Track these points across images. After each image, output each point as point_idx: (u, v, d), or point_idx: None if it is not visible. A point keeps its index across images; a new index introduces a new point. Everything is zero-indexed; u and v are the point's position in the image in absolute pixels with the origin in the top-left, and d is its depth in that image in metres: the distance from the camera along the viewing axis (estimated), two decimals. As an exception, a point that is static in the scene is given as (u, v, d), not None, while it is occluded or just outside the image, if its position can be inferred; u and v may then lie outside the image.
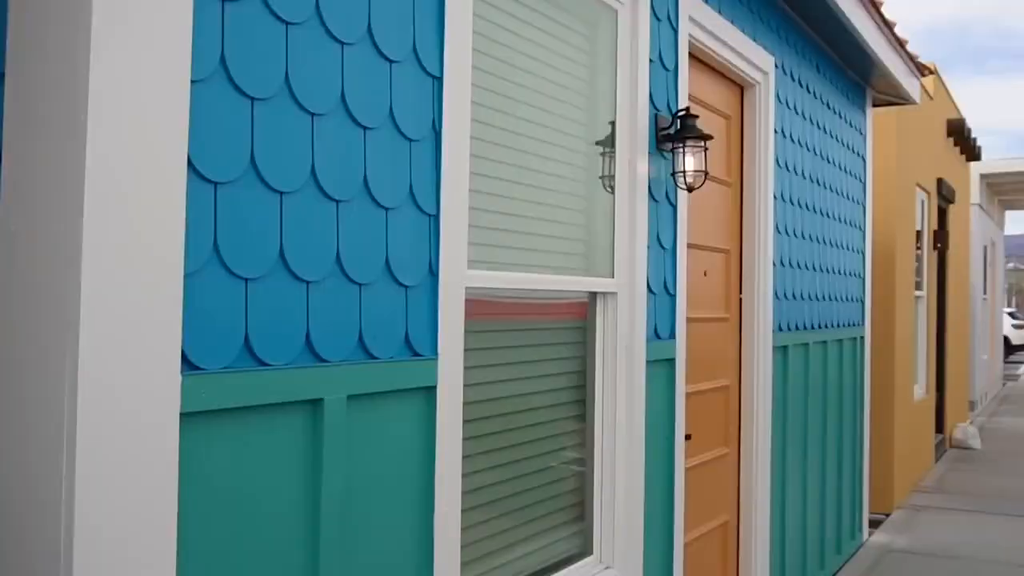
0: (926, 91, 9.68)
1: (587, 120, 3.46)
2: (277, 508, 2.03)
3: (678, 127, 3.69)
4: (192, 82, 1.82)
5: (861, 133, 7.02)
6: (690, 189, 3.68)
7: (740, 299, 4.91)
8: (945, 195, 10.95)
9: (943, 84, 10.96)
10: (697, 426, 4.36)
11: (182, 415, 1.78)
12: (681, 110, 3.74)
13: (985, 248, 17.06)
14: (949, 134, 11.40)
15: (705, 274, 4.47)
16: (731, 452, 4.81)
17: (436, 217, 2.48)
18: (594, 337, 3.45)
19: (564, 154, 3.31)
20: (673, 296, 3.84)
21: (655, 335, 3.70)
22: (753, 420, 4.89)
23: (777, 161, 5.12)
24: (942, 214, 11.17)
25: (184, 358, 1.80)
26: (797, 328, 5.47)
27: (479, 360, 2.89)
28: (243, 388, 1.92)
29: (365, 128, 2.25)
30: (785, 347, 5.26)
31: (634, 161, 3.54)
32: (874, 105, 7.40)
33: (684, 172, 3.66)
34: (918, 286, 9.95)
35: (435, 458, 2.46)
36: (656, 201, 3.71)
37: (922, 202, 10.14)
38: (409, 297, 2.38)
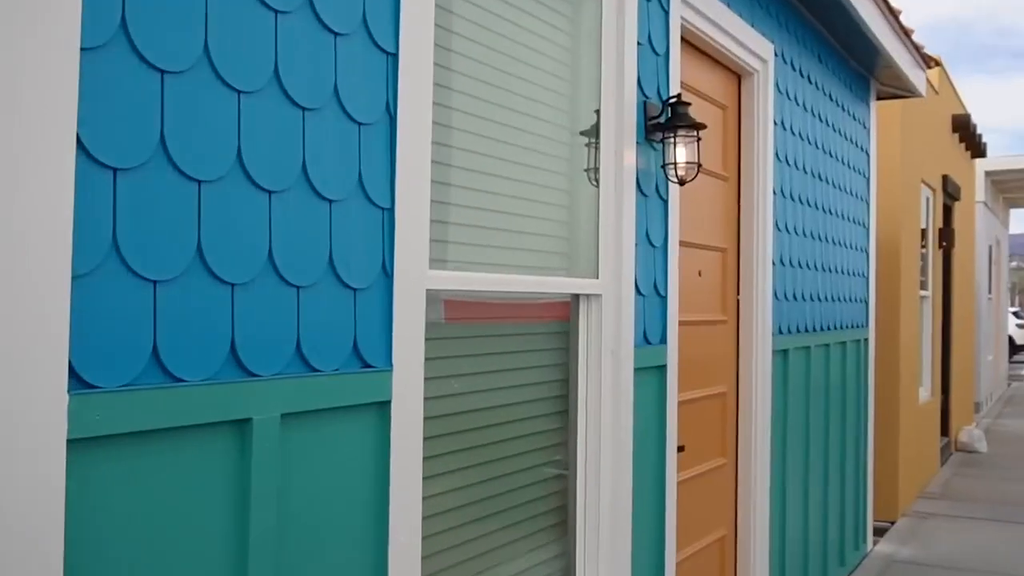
0: (931, 85, 9.41)
1: (569, 107, 3.19)
2: (195, 547, 1.76)
3: (668, 115, 3.42)
4: (83, 50, 1.54)
5: (865, 127, 6.75)
6: (682, 182, 3.41)
7: (738, 300, 4.63)
8: (950, 192, 10.67)
9: (948, 78, 10.68)
10: (691, 436, 4.09)
11: (70, 442, 1.51)
12: (672, 97, 3.47)
13: (990, 247, 16.78)
14: (954, 130, 11.12)
15: (700, 274, 4.19)
16: (728, 463, 4.54)
17: (390, 211, 2.20)
18: (577, 342, 3.18)
19: (544, 144, 3.03)
20: (664, 298, 3.57)
21: (644, 340, 3.43)
22: (752, 428, 4.62)
23: (777, 154, 4.85)
24: (947, 212, 10.89)
25: (73, 374, 1.53)
26: (798, 330, 5.20)
27: (448, 369, 2.62)
28: (150, 408, 1.65)
29: (304, 109, 1.98)
30: (786, 351, 4.99)
31: (620, 152, 3.26)
32: (878, 98, 7.12)
33: (675, 164, 3.38)
34: (923, 286, 9.68)
35: (390, 483, 2.18)
36: (645, 195, 3.44)
37: (927, 199, 9.86)
38: (358, 301, 2.11)
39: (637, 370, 3.35)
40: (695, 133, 3.38)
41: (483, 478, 2.79)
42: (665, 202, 3.58)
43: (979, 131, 12.06)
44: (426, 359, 2.48)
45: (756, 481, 4.62)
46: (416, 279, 2.27)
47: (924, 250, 9.78)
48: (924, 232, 9.75)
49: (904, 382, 8.25)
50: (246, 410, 1.82)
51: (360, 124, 2.12)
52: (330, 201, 2.03)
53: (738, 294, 4.63)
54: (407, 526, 2.24)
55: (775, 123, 4.81)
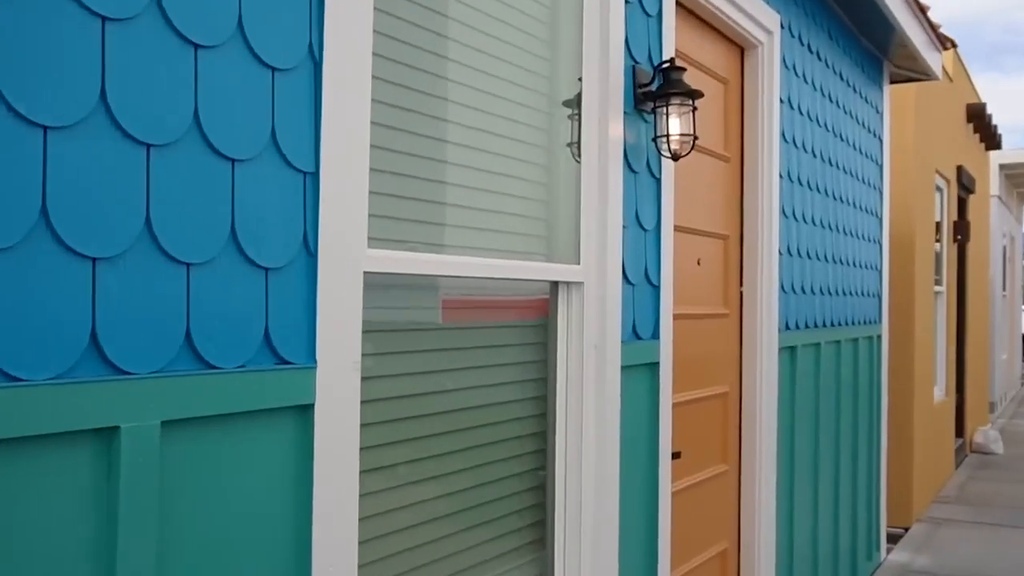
0: (946, 72, 9.02)
1: (549, 72, 2.82)
2: (42, 589, 1.39)
3: (660, 82, 3.04)
4: None
5: (878, 111, 6.36)
6: (675, 157, 3.03)
7: (741, 293, 4.26)
8: (965, 184, 10.27)
9: (962, 65, 10.28)
10: (689, 441, 3.71)
11: None
12: (664, 62, 3.09)
13: (1004, 245, 16.34)
14: (969, 119, 10.72)
15: (699, 263, 3.82)
16: (730, 469, 4.16)
17: (314, 175, 1.83)
18: (556, 336, 2.81)
19: (519, 112, 2.67)
20: (656, 287, 3.19)
21: (633, 334, 3.06)
22: (756, 432, 4.24)
23: (783, 135, 4.47)
24: (961, 204, 10.48)
25: None
26: (807, 326, 4.82)
27: (399, 368, 2.25)
28: (-29, 415, 1.28)
29: (196, 46, 1.61)
30: (793, 347, 4.61)
31: (605, 122, 2.89)
32: (891, 82, 6.73)
33: (668, 136, 3.01)
34: (937, 281, 9.29)
35: (312, 506, 1.81)
36: (634, 172, 3.06)
37: (941, 190, 9.46)
38: (271, 283, 1.74)
39: (625, 368, 2.98)
40: (691, 102, 3.00)
41: (444, 492, 2.42)
42: (658, 180, 3.21)
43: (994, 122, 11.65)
44: (371, 355, 2.11)
45: (761, 489, 4.25)
46: (349, 259, 1.90)
47: (938, 244, 9.39)
48: (938, 226, 9.36)
49: (918, 381, 7.86)
50: (111, 416, 1.45)
51: (274, 69, 1.75)
52: (232, 160, 1.66)
53: (741, 286, 4.25)
54: (337, 557, 1.87)
55: (781, 101, 4.43)
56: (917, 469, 7.72)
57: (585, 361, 2.81)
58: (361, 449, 2.10)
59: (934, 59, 6.55)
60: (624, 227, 2.97)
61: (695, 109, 3.01)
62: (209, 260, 1.62)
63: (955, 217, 10.03)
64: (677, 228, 3.54)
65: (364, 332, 2.11)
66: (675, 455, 3.45)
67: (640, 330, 3.08)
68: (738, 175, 4.24)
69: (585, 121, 2.87)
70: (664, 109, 3.01)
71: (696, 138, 3.02)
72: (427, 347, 2.37)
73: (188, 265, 1.58)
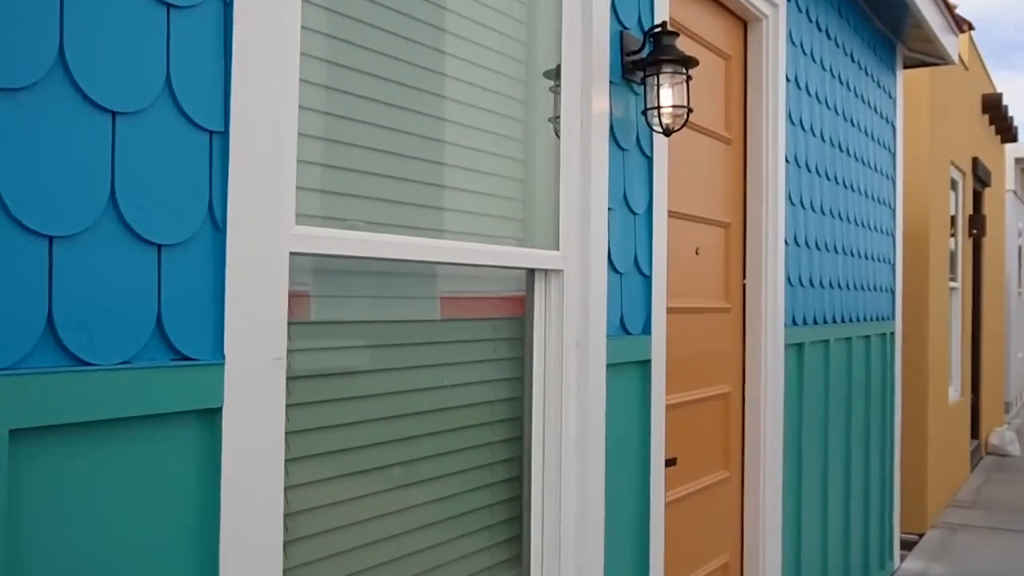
0: (961, 59, 8.69)
1: (527, 37, 2.53)
2: None
3: (651, 49, 2.74)
4: None
5: (891, 96, 6.04)
6: (667, 132, 2.73)
7: (744, 285, 3.95)
8: (981, 177, 9.93)
9: (978, 53, 9.94)
10: (686, 446, 3.41)
11: None
12: (656, 26, 2.79)
13: (1020, 244, 15.97)
14: (984, 110, 10.37)
15: (697, 252, 3.52)
16: (732, 476, 3.86)
17: (222, 135, 1.54)
18: (532, 331, 2.51)
19: (492, 80, 2.38)
20: (647, 278, 2.90)
21: (621, 329, 2.76)
22: (760, 435, 3.93)
23: (790, 116, 4.16)
24: (976, 198, 10.15)
25: None
26: (815, 321, 4.51)
27: (349, 365, 1.96)
28: None
29: (62, -30, 1.32)
30: (800, 344, 4.30)
31: (589, 93, 2.59)
32: (905, 66, 6.41)
33: (659, 109, 2.71)
34: (952, 276, 8.96)
35: (219, 533, 1.52)
36: (623, 149, 2.77)
37: (956, 183, 9.13)
38: (165, 262, 1.45)
39: (611, 366, 2.68)
40: (684, 71, 2.71)
41: (401, 506, 2.13)
42: (649, 159, 2.91)
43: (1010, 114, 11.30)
44: (314, 351, 1.82)
45: (765, 496, 3.94)
46: (269, 236, 1.61)
47: (953, 238, 9.06)
48: (953, 219, 9.04)
49: (933, 380, 7.54)
50: (-64, 425, 1.16)
51: (170, 5, 1.46)
52: (112, 112, 1.37)
53: (744, 278, 3.95)
54: (253, 585, 1.58)
55: (787, 79, 4.13)
56: (932, 472, 7.40)
57: (565, 359, 2.52)
58: (293, 460, 1.81)
59: (950, 42, 6.23)
60: (610, 210, 2.67)
61: (689, 79, 2.71)
62: (79, 233, 1.33)
63: (970, 211, 9.70)
64: (672, 214, 3.25)
65: (306, 324, 1.82)
66: (670, 462, 3.16)
67: (629, 324, 2.79)
68: (741, 158, 3.93)
69: (565, 91, 2.57)
70: (655, 79, 2.71)
71: (690, 110, 2.72)
72: (381, 343, 2.08)
73: (50, 238, 1.29)
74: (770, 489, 3.96)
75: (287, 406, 1.79)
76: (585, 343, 2.55)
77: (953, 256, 9.03)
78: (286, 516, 1.80)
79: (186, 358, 1.48)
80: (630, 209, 2.79)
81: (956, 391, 9.07)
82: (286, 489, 1.79)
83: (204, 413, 1.50)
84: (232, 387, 1.53)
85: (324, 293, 1.94)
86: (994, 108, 10.42)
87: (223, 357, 1.52)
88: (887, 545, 5.95)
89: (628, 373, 2.80)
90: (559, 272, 2.51)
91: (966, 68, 9.15)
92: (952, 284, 8.91)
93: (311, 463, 1.87)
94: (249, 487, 1.56)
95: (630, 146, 2.80)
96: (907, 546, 6.61)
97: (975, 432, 10.19)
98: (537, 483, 2.51)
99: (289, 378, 1.80)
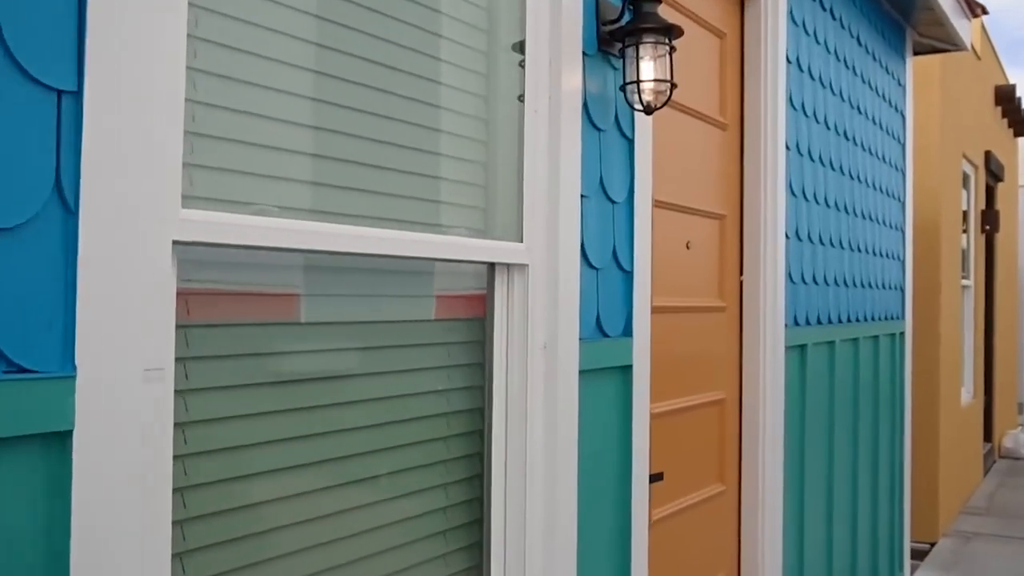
0: (973, 48, 8.38)
1: (488, 4, 2.24)
2: None
3: (631, 16, 2.45)
4: None
5: (900, 84, 5.73)
6: (648, 109, 2.44)
7: (741, 282, 3.66)
8: (994, 171, 9.61)
9: (990, 43, 9.61)
10: (676, 459, 3.12)
11: None
12: (635, -8, 2.49)
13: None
14: (997, 102, 10.04)
15: (688, 246, 3.22)
16: (728, 490, 3.56)
17: (75, 96, 1.26)
18: (492, 334, 2.22)
19: (447, 50, 2.09)
20: (628, 273, 2.60)
21: (598, 330, 2.47)
22: (759, 444, 3.64)
23: (791, 101, 3.87)
24: (989, 192, 9.82)
25: None
26: (819, 321, 4.21)
27: (268, 375, 1.68)
28: None
29: None
30: (803, 346, 4.01)
31: (559, 66, 2.30)
32: (915, 53, 6.09)
33: (639, 83, 2.41)
34: (964, 274, 8.64)
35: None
36: (599, 130, 2.48)
37: (968, 177, 8.82)
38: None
39: (585, 372, 2.39)
40: (667, 41, 2.41)
41: (335, 536, 1.84)
42: (630, 142, 2.62)
43: (1024, 106, 10.96)
44: (206, 359, 1.54)
45: (765, 510, 3.65)
46: (139, 219, 1.32)
47: (965, 234, 8.75)
48: (965, 215, 8.72)
49: (945, 382, 7.23)
50: None
51: (-4, -67, 1.17)
52: (-89, 62, 1.09)
53: (741, 274, 3.66)
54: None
55: (788, 61, 3.83)
56: (943, 478, 7.09)
57: (531, 365, 2.23)
58: (189, 488, 1.52)
59: (963, 26, 5.92)
60: (583, 197, 2.38)
61: (673, 50, 2.42)
62: None
63: (983, 206, 9.38)
64: (659, 203, 2.96)
65: (210, 328, 1.54)
66: (655, 477, 2.87)
67: (606, 325, 2.49)
68: (737, 145, 3.64)
69: (531, 63, 2.28)
70: (634, 50, 2.42)
71: (674, 85, 2.42)
72: (312, 348, 1.80)
73: None
74: (769, 502, 3.66)
75: (184, 424, 1.51)
76: (554, 347, 2.26)
77: (965, 253, 8.73)
78: (180, 556, 1.51)
79: (24, 370, 1.19)
80: (608, 197, 2.50)
81: (968, 393, 8.76)
82: (181, 523, 1.51)
83: (50, 438, 1.22)
84: (86, 405, 1.24)
85: (236, 290, 1.65)
86: (1007, 100, 10.09)
87: (74, 369, 1.24)
88: (897, 556, 5.65)
89: (605, 380, 2.51)
90: (523, 267, 2.22)
91: (978, 57, 8.84)
92: (964, 282, 8.60)
93: (213, 492, 1.59)
94: (110, 531, 1.27)
95: (607, 126, 2.51)
96: (918, 555, 6.31)
97: (988, 435, 9.87)
98: (498, 505, 2.22)
99: (185, 391, 1.52)
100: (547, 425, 2.25)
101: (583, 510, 2.39)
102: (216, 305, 1.60)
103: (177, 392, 1.48)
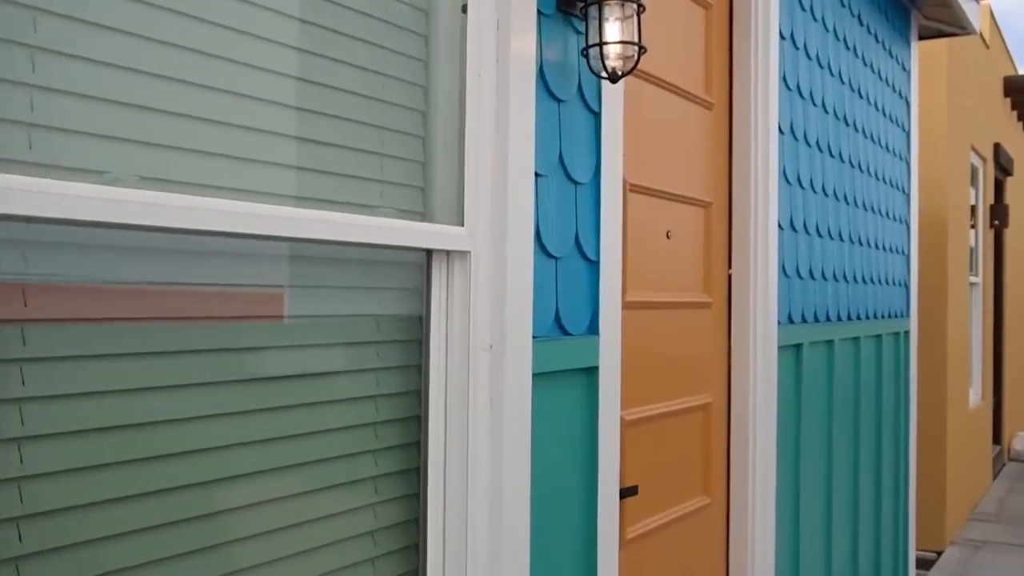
0: (982, 37, 8.08)
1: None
2: None
3: (593, -28, 2.16)
4: None
5: (905, 69, 5.43)
6: (614, 77, 2.15)
7: (729, 276, 3.37)
8: (1003, 164, 9.29)
9: (999, 32, 9.30)
10: (654, 470, 2.83)
11: None
12: (599, -55, 2.20)
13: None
14: (1006, 93, 9.73)
15: (669, 236, 2.93)
16: (715, 502, 3.27)
17: None
18: (429, 331, 1.94)
19: (379, 4, 1.80)
20: (594, 263, 2.31)
21: (556, 328, 2.18)
22: (749, 452, 3.35)
23: (784, 80, 3.57)
24: (998, 186, 9.51)
25: None
26: (816, 319, 3.92)
27: (142, 380, 1.40)
28: None
29: None
30: (798, 346, 3.71)
31: (508, 25, 2.01)
32: (920, 37, 5.79)
33: (602, 46, 2.12)
34: (972, 270, 8.34)
35: None
36: (558, 100, 2.19)
37: (976, 169, 8.51)
38: None
39: (541, 376, 2.10)
40: (635, 1, 2.13)
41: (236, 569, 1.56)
42: (596, 115, 2.32)
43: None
44: (30, 362, 1.26)
45: (755, 523, 3.36)
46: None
47: (973, 229, 8.45)
48: (973, 209, 8.42)
49: (952, 383, 6.93)
50: None
51: None
52: None
53: (729, 267, 3.37)
54: None
55: (782, 36, 3.54)
56: (951, 483, 6.79)
57: (474, 367, 1.94)
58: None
59: (971, 9, 5.61)
60: (539, 176, 2.09)
61: (642, 9, 2.13)
62: None
63: (992, 200, 9.07)
64: (636, 188, 2.67)
65: (35, 327, 1.26)
66: (628, 491, 2.58)
67: (567, 322, 2.20)
68: (725, 127, 3.35)
69: (474, 20, 2.00)
70: (598, 9, 2.12)
71: (643, 49, 2.13)
72: (201, 348, 1.51)
73: None
74: (760, 514, 3.37)
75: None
76: (501, 346, 1.97)
77: (973, 249, 8.43)
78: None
79: None
80: (569, 176, 2.21)
81: (977, 394, 8.47)
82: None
83: None
84: None
85: (84, 280, 1.37)
86: (1017, 91, 9.77)
87: None
88: (901, 566, 5.35)
89: (567, 384, 2.22)
90: (464, 254, 1.93)
91: (987, 46, 8.53)
92: (972, 279, 8.30)
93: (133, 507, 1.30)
94: None
95: (569, 97, 2.21)
96: (924, 565, 6.02)
97: (997, 437, 9.56)
98: (436, 527, 1.93)
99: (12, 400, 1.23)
100: (493, 436, 1.96)
101: (538, 532, 2.11)
102: (63, 301, 1.31)
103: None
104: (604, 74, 2.14)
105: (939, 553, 6.39)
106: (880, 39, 4.88)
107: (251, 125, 1.56)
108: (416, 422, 1.93)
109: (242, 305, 1.59)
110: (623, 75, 2.13)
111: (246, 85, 1.55)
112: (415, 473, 1.93)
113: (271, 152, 1.60)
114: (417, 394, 1.93)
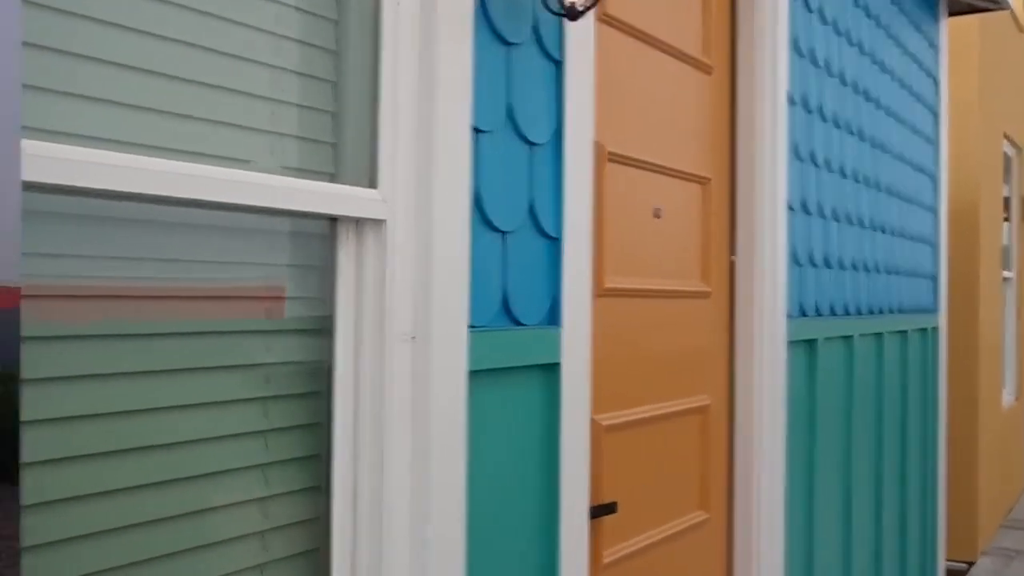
0: (1015, 17, 7.64)
1: None
2: None
3: None
4: None
5: (933, 45, 5.03)
6: (572, 14, 1.78)
7: (732, 262, 2.99)
8: (1038, 154, 8.83)
9: (1035, 15, 8.83)
10: (638, 483, 2.46)
11: None
12: None
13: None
14: (1042, 79, 9.25)
15: (658, 215, 2.56)
16: (714, 517, 2.89)
17: None
18: (336, 318, 1.58)
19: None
20: (555, 240, 1.95)
21: (504, 316, 1.81)
22: (754, 459, 2.97)
23: (796, 45, 3.19)
24: (1033, 178, 9.05)
25: None
26: (833, 312, 3.54)
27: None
28: None
29: None
30: (811, 341, 3.33)
31: (441, -54, 1.65)
32: (950, 13, 5.38)
33: (557, -24, 1.76)
34: (1005, 265, 7.93)
35: None
36: (507, 43, 1.82)
37: (1010, 159, 8.08)
38: None
39: (480, 373, 1.74)
40: (599, -79, 1.76)
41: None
42: (558, 65, 1.96)
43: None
44: None
45: (761, 539, 2.98)
46: None
47: (1007, 223, 8.03)
48: (1006, 201, 8.00)
49: (984, 382, 6.52)
50: None
51: None
52: None
53: (732, 253, 2.99)
54: None
55: (792, -5, 3.16)
56: (983, 489, 6.39)
57: (390, 361, 1.58)
58: None
59: (1005, -21, 5.21)
60: (478, 131, 1.73)
61: (606, -68, 1.76)
62: None
63: (1025, 191, 8.63)
64: (616, 157, 2.30)
65: None
66: (604, 508, 2.21)
67: (518, 310, 1.84)
68: (727, 94, 2.97)
69: (397, -61, 1.64)
70: (552, -68, 1.76)
71: (606, -20, 1.77)
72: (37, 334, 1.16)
73: None
74: (767, 530, 2.99)
75: None
76: (427, 337, 1.61)
77: (1007, 244, 8.01)
78: None
79: None
80: (521, 135, 1.84)
81: (1010, 394, 8.07)
82: None
83: None
84: None
85: None
86: (1053, 77, 9.29)
87: None
88: (929, 581, 4.96)
89: (516, 383, 1.85)
90: (378, 223, 1.57)
91: (1021, 29, 8.09)
92: (1006, 274, 7.89)
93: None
94: None
95: (521, 40, 1.85)
96: (954, 578, 5.62)
97: (1032, 440, 9.11)
98: (342, 565, 1.58)
99: None
100: (417, 447, 1.60)
101: (478, 562, 1.74)
102: None
103: None
104: (558, 9, 1.77)
105: (970, 564, 5.99)
106: (905, 10, 4.49)
107: (94, 55, 1.21)
108: (319, 432, 1.58)
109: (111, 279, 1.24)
110: (583, 11, 1.77)
111: (116, 12, 1.20)
112: (316, 492, 1.58)
113: (122, 89, 1.24)
114: (320, 396, 1.58)
